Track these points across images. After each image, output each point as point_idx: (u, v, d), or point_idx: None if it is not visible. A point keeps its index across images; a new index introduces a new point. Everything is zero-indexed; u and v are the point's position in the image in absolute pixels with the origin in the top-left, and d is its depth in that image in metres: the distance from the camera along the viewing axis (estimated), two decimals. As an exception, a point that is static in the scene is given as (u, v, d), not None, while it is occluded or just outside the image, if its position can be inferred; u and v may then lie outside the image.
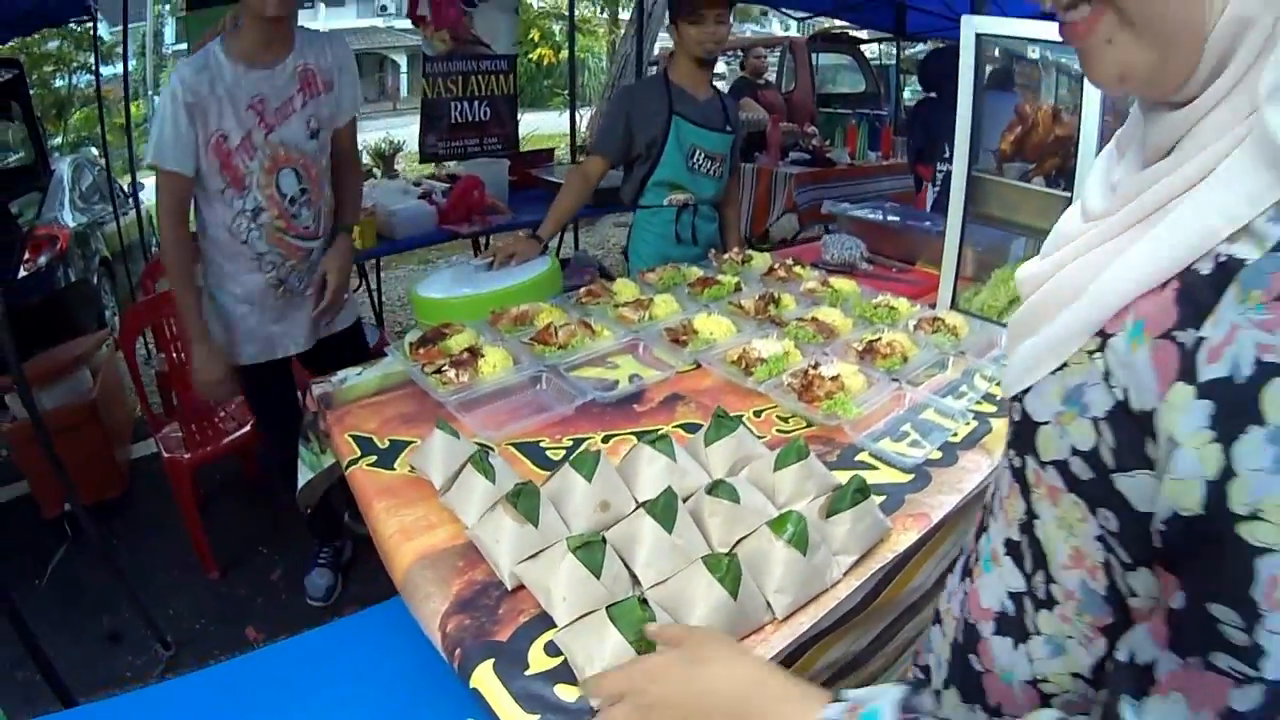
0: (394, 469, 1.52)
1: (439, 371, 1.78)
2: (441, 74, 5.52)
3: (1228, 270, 0.48)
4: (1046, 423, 0.62)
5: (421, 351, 1.92)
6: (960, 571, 0.81)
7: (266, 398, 2.56)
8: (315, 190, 2.39)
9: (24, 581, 2.93)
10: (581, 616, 1.03)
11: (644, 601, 0.99)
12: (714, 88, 2.90)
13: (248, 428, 3.10)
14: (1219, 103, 0.54)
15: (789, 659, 1.08)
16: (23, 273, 4.90)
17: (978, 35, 2.05)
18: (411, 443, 1.59)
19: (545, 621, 1.09)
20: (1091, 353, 0.58)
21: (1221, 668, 0.45)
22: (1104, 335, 0.57)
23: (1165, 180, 0.56)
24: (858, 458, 1.49)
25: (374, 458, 1.56)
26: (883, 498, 1.34)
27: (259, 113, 2.22)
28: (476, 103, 5.68)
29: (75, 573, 3.09)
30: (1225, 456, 0.44)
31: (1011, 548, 0.70)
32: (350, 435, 1.65)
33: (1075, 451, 0.59)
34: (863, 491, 1.17)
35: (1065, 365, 0.61)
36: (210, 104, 2.13)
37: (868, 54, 10.33)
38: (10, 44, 7.27)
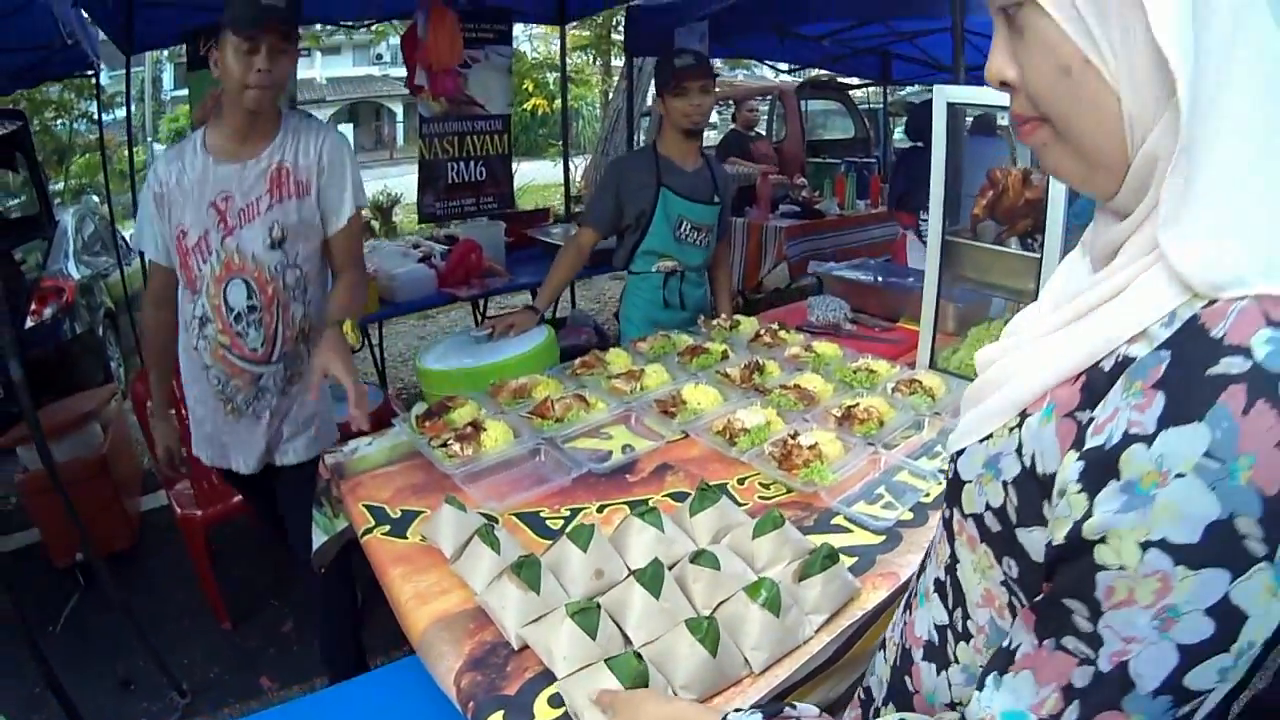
0: (406, 537, 1.66)
1: (444, 445, 1.93)
2: (438, 134, 5.73)
3: (1122, 366, 0.62)
4: (970, 481, 0.77)
5: (428, 424, 2.08)
6: (903, 604, 0.96)
7: (240, 484, 2.51)
8: (269, 309, 2.18)
9: (38, 627, 3.01)
10: (582, 668, 1.18)
11: (639, 655, 1.14)
12: (704, 156, 3.06)
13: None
14: (1142, 223, 0.66)
15: (766, 709, 1.22)
16: (30, 323, 5.04)
17: (949, 104, 2.22)
18: (422, 512, 1.74)
19: (548, 677, 1.23)
20: (1012, 428, 0.72)
21: (1069, 649, 0.61)
22: (1024, 415, 0.71)
23: (1095, 290, 0.69)
24: (833, 521, 1.63)
25: (388, 526, 1.70)
26: (854, 559, 1.48)
27: (220, 212, 2.11)
28: (472, 163, 5.90)
29: (88, 620, 3.22)
30: (1089, 502, 0.59)
31: (939, 586, 0.86)
32: (364, 505, 1.80)
33: (988, 507, 0.74)
34: (832, 557, 1.32)
35: (991, 435, 0.75)
36: (176, 196, 2.11)
37: (857, 98, 10.61)
38: (13, 94, 7.51)
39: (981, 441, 0.76)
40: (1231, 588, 0.54)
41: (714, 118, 11.92)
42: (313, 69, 28.89)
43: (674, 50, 2.96)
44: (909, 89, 10.60)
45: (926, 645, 0.87)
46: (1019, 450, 0.70)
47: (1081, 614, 0.60)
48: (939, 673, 0.85)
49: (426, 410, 2.14)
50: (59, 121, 13.20)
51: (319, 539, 2.08)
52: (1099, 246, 0.72)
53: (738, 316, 2.86)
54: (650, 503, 1.67)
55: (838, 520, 1.63)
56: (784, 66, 8.70)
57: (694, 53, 2.88)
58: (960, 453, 0.80)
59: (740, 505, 1.66)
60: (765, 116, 9.83)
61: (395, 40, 5.61)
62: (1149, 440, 0.56)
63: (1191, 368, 0.56)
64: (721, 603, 1.28)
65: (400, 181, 13.37)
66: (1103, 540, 0.58)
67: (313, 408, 2.33)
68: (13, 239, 5.79)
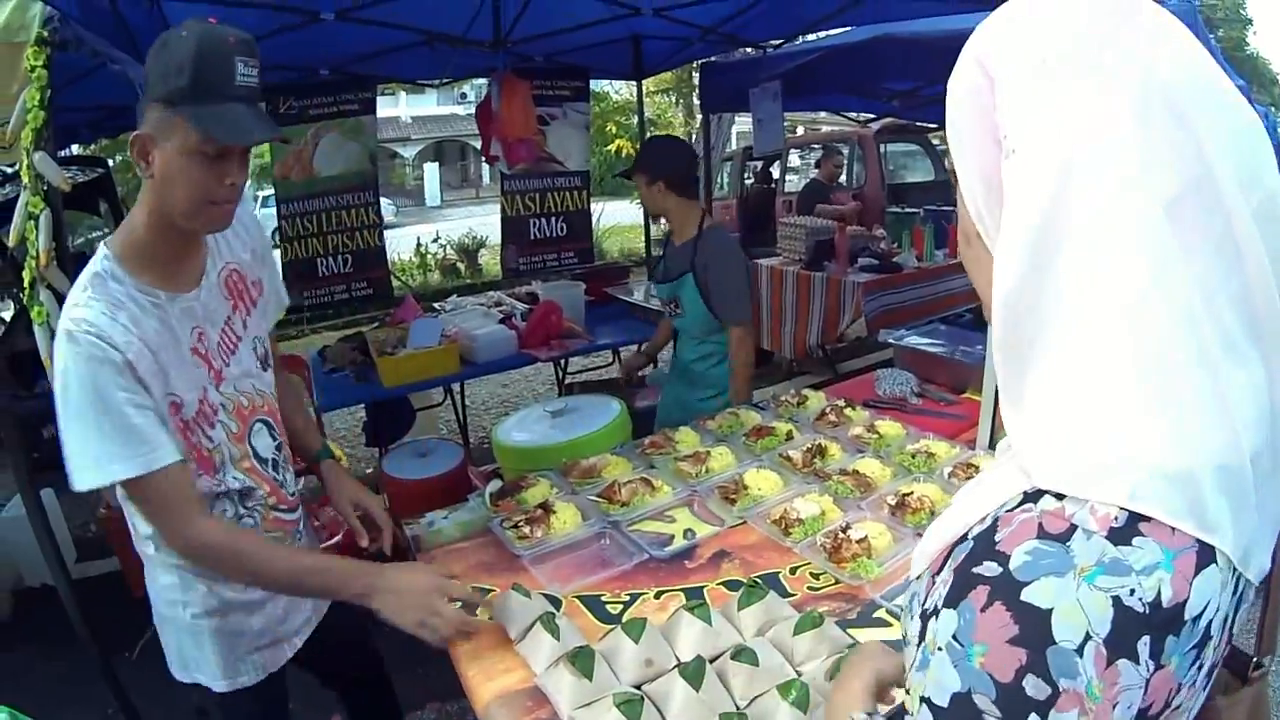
0: (476, 615, 1.84)
1: (515, 526, 2.13)
2: (520, 191, 6.04)
3: (994, 524, 0.73)
4: (901, 610, 0.91)
5: (501, 503, 2.29)
6: None
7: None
8: (286, 443, 1.92)
9: (114, 653, 3.05)
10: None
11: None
12: (701, 230, 3.16)
13: (339, 536, 3.20)
14: None
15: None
16: None
17: None
18: (491, 590, 1.93)
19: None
20: (921, 575, 0.84)
21: None
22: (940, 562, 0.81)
23: (1000, 455, 0.81)
24: (875, 614, 1.76)
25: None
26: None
27: (203, 356, 1.67)
28: (554, 219, 6.17)
29: (162, 650, 3.47)
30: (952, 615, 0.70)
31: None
32: (440, 581, 2.00)
33: (905, 636, 0.87)
34: None
35: (919, 575, 0.86)
36: (146, 360, 1.53)
37: (935, 140, 10.66)
38: (101, 144, 8.03)
39: (914, 579, 0.87)
40: None
41: (795, 161, 12.11)
42: (397, 107, 29.92)
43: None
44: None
45: None
46: (926, 591, 0.81)
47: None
48: None
49: (501, 488, 2.35)
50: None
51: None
52: None
53: (805, 392, 3.02)
54: (705, 590, 1.86)
55: (880, 614, 1.77)
56: (858, 120, 8.86)
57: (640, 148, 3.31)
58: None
59: (790, 595, 1.83)
60: (845, 162, 9.92)
61: (480, 80, 5.87)
62: (936, 614, 0.70)
63: (971, 561, 0.69)
64: (756, 697, 1.44)
65: (486, 222, 13.85)
66: (908, 691, 0.73)
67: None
68: None
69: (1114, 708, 0.62)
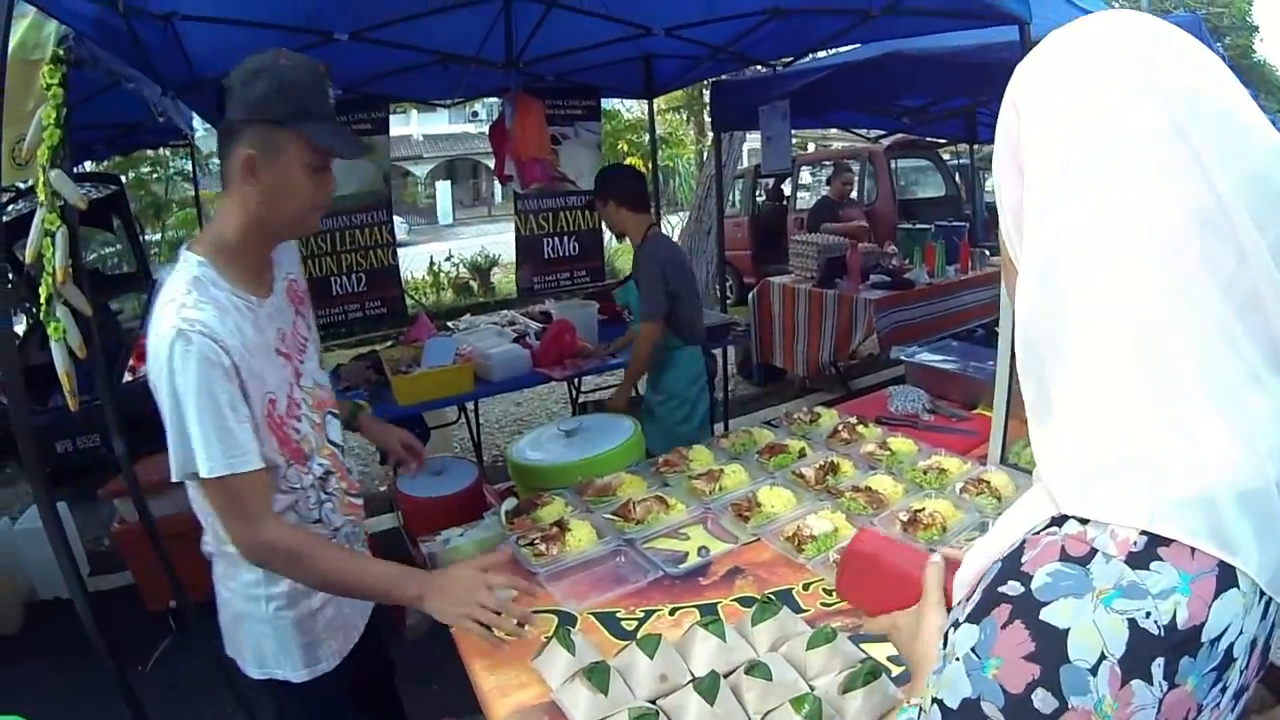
0: (491, 630, 1.87)
1: (531, 544, 2.15)
2: (533, 210, 6.08)
3: (1021, 546, 0.76)
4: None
5: (516, 521, 2.32)
6: None
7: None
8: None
9: (128, 666, 3.10)
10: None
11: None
12: (645, 240, 3.78)
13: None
14: None
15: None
16: (127, 378, 5.47)
17: None
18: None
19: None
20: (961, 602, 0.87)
21: None
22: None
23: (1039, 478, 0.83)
24: (889, 629, 1.78)
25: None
26: (901, 668, 1.63)
27: (285, 356, 1.82)
28: (566, 238, 6.21)
29: (178, 664, 3.54)
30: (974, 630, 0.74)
31: None
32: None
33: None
34: (874, 673, 1.49)
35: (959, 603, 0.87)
36: (247, 359, 1.64)
37: (946, 155, 10.71)
38: (114, 160, 8.12)
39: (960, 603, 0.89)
40: None
41: (806, 178, 12.15)
42: (409, 126, 30.14)
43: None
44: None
45: None
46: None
47: None
48: None
49: (516, 506, 2.38)
50: (155, 177, 13.95)
51: (414, 615, 2.29)
52: None
53: (818, 410, 3.05)
54: (719, 607, 1.88)
55: (893, 630, 1.78)
56: (868, 136, 8.91)
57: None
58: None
59: (803, 610, 1.85)
60: (856, 178, 9.97)
61: (492, 99, 5.93)
62: (957, 627, 0.74)
63: (997, 581, 0.72)
64: (770, 711, 1.46)
65: (499, 240, 13.95)
66: (954, 655, 0.74)
67: None
68: (110, 293, 6.31)
69: None
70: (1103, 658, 0.64)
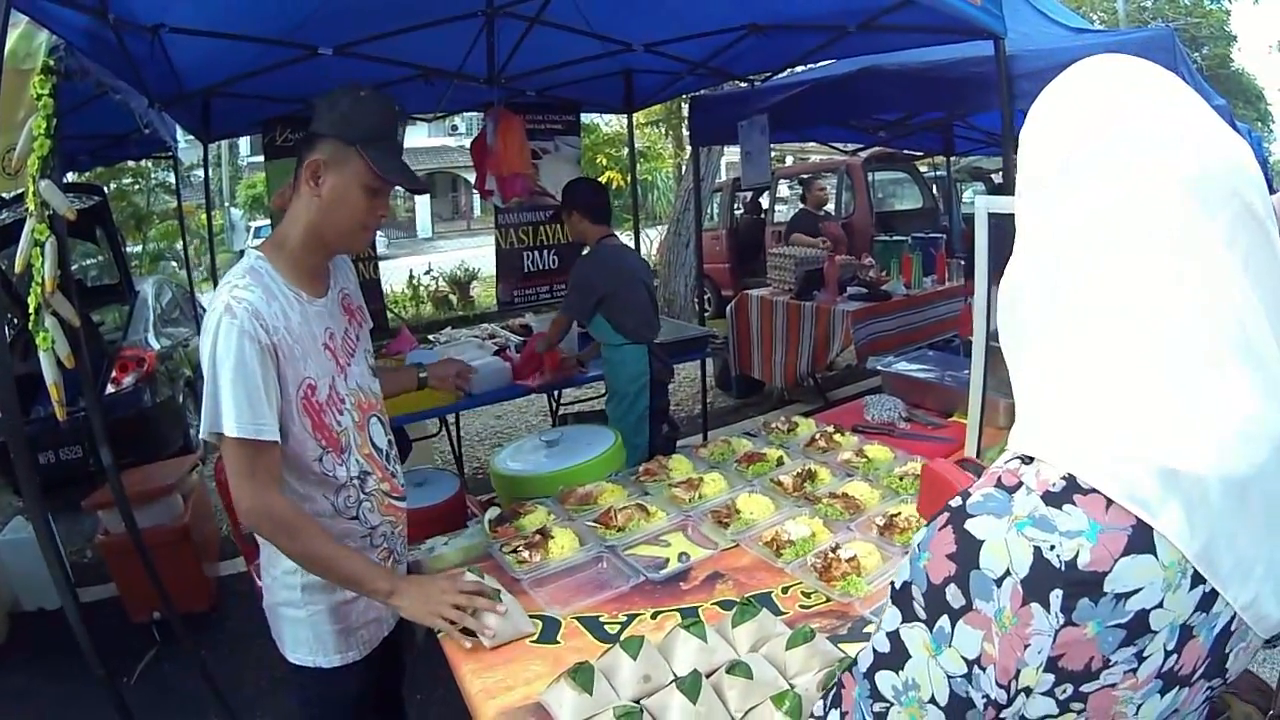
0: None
1: (515, 551, 2.19)
2: (513, 224, 6.12)
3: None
4: None
5: (500, 529, 2.35)
6: None
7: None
8: (393, 439, 2.17)
9: (113, 678, 3.09)
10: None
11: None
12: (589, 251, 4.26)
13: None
14: None
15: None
16: (110, 390, 5.47)
17: (991, 214, 2.40)
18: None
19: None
20: None
21: None
22: None
23: None
24: (866, 629, 1.83)
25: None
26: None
27: (332, 351, 1.94)
28: (546, 251, 6.26)
29: (163, 675, 3.56)
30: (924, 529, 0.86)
31: None
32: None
33: None
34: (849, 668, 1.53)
35: None
36: (289, 344, 1.79)
37: (923, 167, 10.82)
38: (92, 169, 8.12)
39: None
40: (901, 626, 0.83)
41: (784, 191, 12.25)
42: (390, 138, 30.08)
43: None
44: (972, 158, 10.77)
45: None
46: None
47: None
48: None
49: (500, 515, 2.42)
50: (137, 189, 13.90)
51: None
52: None
53: (795, 419, 3.10)
54: (700, 610, 1.92)
55: (869, 628, 1.83)
56: (846, 150, 9.03)
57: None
58: None
59: (782, 613, 1.89)
60: (834, 191, 10.06)
61: (472, 113, 5.98)
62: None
63: (956, 499, 0.82)
64: (752, 708, 1.50)
65: (478, 254, 13.98)
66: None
67: None
68: (92, 304, 6.30)
69: (1025, 647, 0.73)
70: (1008, 573, 0.74)
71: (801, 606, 1.95)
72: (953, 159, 9.26)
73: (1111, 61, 0.85)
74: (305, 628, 1.96)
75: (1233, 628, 0.76)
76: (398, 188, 1.97)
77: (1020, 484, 0.77)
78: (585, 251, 4.32)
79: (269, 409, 1.73)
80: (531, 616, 1.93)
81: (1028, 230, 0.86)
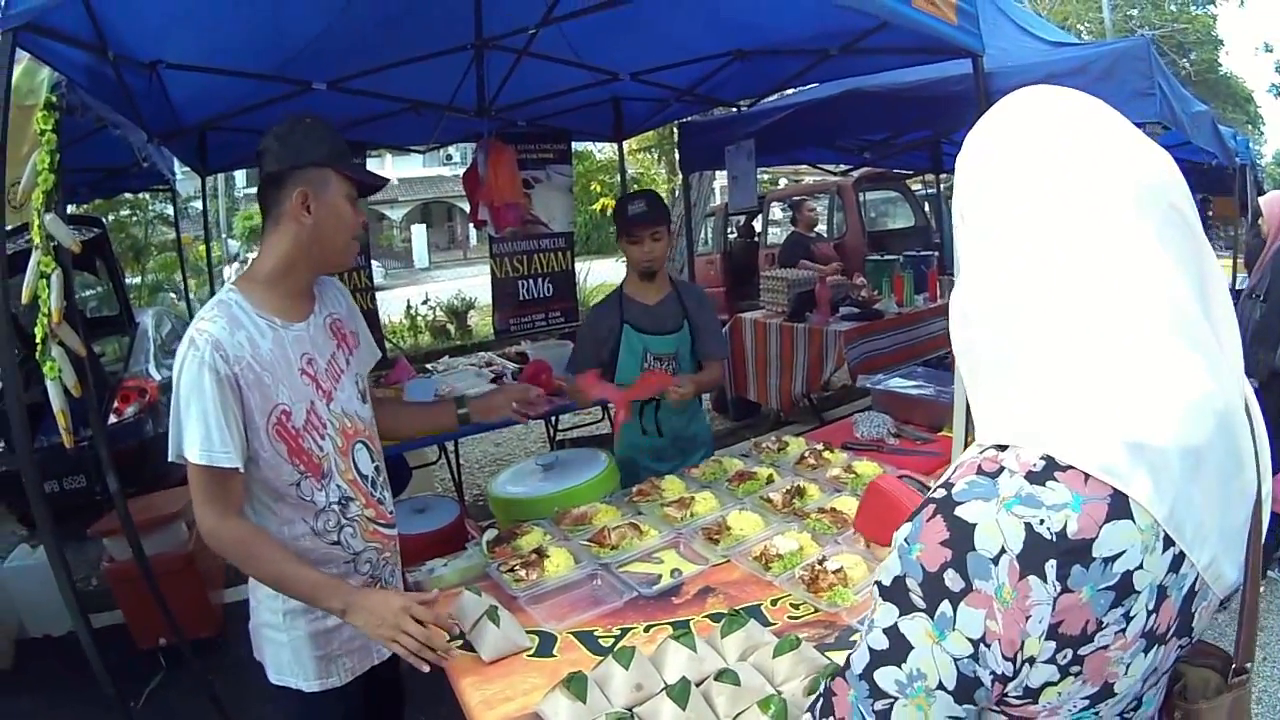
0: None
1: (512, 570, 2.26)
2: (508, 253, 6.19)
3: (955, 468, 0.92)
4: None
5: (498, 550, 2.42)
6: None
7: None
8: (383, 467, 2.19)
9: (121, 700, 3.13)
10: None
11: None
12: (673, 284, 3.40)
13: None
14: None
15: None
16: (113, 420, 5.48)
17: None
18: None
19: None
20: None
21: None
22: None
23: None
24: (853, 638, 1.89)
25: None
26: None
27: (311, 377, 1.97)
28: (541, 280, 6.33)
29: (170, 701, 3.59)
30: (907, 526, 0.90)
31: None
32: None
33: None
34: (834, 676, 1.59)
35: None
36: (256, 373, 1.84)
37: (914, 185, 10.91)
38: (91, 201, 8.22)
39: None
40: (899, 620, 0.85)
41: (777, 214, 12.36)
42: (383, 169, 30.05)
43: (628, 196, 3.27)
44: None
45: None
46: None
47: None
48: None
49: (497, 536, 2.49)
50: (135, 221, 13.95)
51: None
52: None
53: (786, 438, 3.17)
54: (691, 623, 1.98)
55: (855, 637, 1.88)
56: (835, 172, 9.12)
57: (648, 199, 3.19)
58: None
59: (771, 624, 1.96)
60: (825, 213, 10.13)
61: (467, 143, 6.06)
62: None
63: (932, 493, 0.88)
64: (739, 714, 1.57)
65: (474, 283, 14.02)
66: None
67: None
68: (93, 335, 6.30)
69: (1027, 619, 0.79)
70: (1003, 551, 0.80)
71: (790, 617, 2.01)
72: (943, 176, 9.33)
73: (1041, 93, 0.94)
74: (286, 650, 2.01)
75: (1196, 587, 0.85)
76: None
77: (1002, 468, 0.83)
78: (679, 280, 3.54)
79: (230, 436, 1.78)
80: (529, 632, 2.01)
81: (975, 251, 0.93)
